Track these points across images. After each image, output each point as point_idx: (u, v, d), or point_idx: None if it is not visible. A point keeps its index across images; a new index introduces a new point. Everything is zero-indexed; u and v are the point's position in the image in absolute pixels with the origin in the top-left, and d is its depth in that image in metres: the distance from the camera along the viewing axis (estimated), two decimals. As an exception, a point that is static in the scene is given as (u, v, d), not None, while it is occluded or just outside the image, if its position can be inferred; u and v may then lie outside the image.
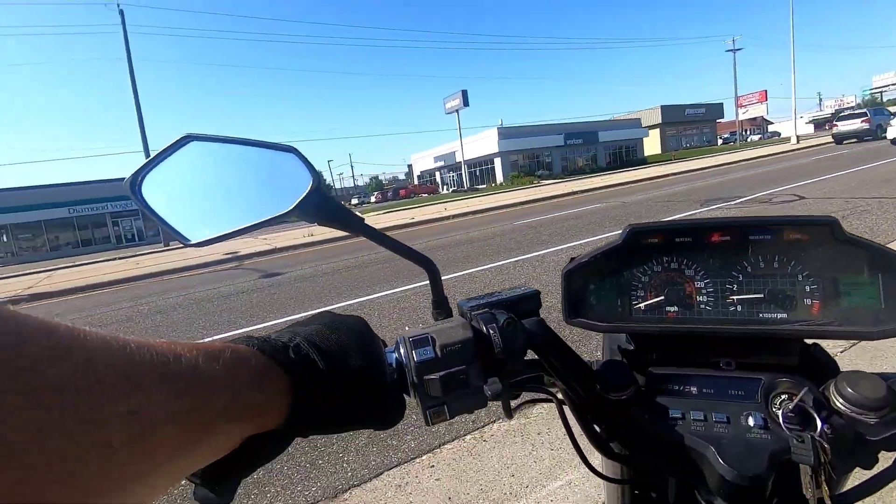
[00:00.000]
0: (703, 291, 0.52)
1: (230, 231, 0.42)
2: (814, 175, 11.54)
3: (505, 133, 40.78)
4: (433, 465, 2.25)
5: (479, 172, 44.64)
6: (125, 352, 0.22)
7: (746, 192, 10.00)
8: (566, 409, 0.51)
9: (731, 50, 47.58)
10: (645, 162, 41.47)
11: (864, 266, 0.46)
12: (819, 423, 0.40)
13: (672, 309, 0.52)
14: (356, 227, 0.45)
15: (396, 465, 2.28)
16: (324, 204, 0.43)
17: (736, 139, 54.70)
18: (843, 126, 22.87)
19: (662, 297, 0.53)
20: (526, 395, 0.54)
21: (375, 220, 17.89)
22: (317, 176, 0.42)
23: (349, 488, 2.16)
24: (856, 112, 23.31)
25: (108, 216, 31.44)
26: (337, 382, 0.34)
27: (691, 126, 60.44)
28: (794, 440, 0.40)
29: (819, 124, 69.74)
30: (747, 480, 0.40)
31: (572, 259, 0.55)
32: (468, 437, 2.44)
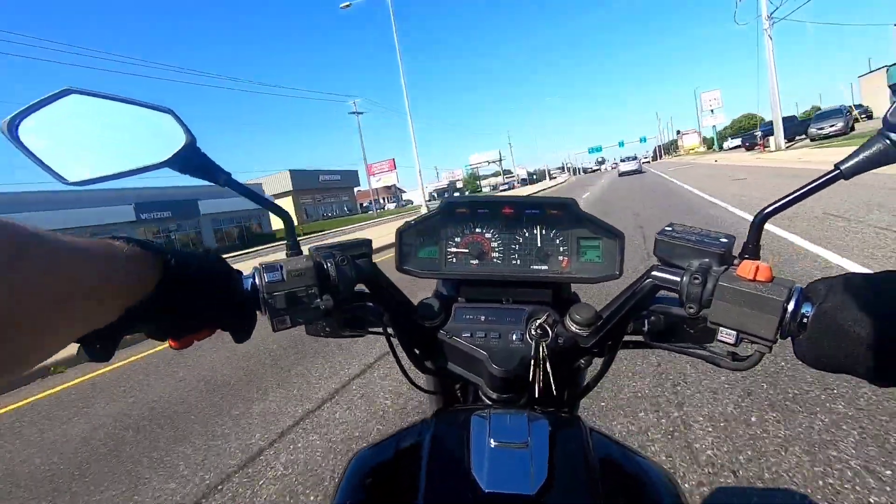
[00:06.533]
0: (496, 249, 0.66)
1: (108, 174, 0.46)
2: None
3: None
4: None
5: None
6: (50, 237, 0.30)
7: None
8: (394, 341, 0.63)
9: (355, 112, 43.55)
10: (273, 238, 32.66)
11: (592, 233, 0.63)
12: (550, 334, 0.56)
13: (474, 261, 0.66)
14: (223, 180, 0.50)
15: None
16: (196, 158, 0.48)
17: (372, 208, 51.55)
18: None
19: (468, 252, 0.66)
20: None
21: None
22: (191, 135, 0.47)
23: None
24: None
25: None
26: (198, 273, 0.44)
27: (329, 193, 55.11)
28: (533, 346, 0.55)
29: (440, 193, 77.32)
30: (504, 373, 0.54)
31: (406, 221, 0.67)
32: None
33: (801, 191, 0.45)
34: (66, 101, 0.44)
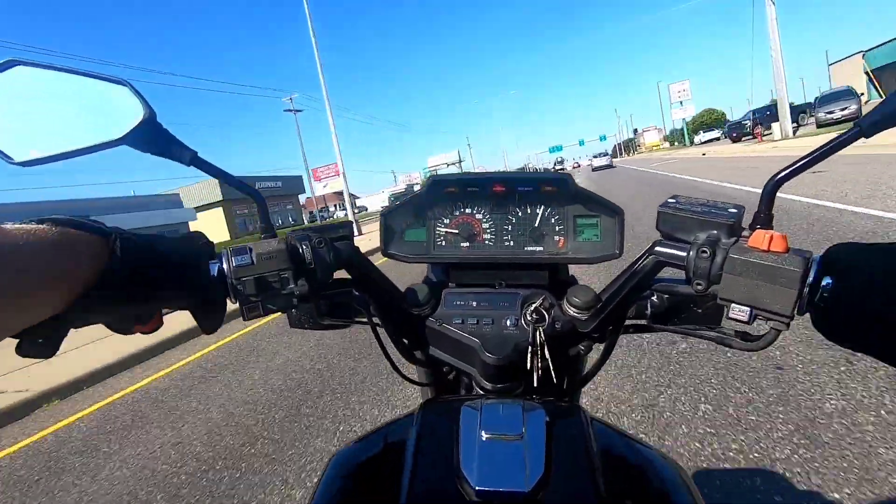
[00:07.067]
0: (488, 230, 0.63)
1: (59, 152, 0.42)
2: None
3: None
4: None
5: None
6: None
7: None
8: (381, 331, 0.59)
9: (291, 110, 37.91)
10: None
11: (589, 211, 0.60)
12: (547, 319, 0.53)
13: (465, 244, 0.63)
14: (188, 158, 0.46)
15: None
16: (156, 134, 0.44)
17: (317, 217, 45.98)
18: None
19: (458, 234, 0.63)
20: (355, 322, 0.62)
21: None
22: (150, 108, 0.43)
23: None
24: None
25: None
26: (154, 258, 0.39)
27: (270, 202, 48.99)
28: (530, 332, 0.52)
29: (398, 198, 72.25)
30: (498, 360, 0.51)
31: (391, 203, 0.64)
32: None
33: (819, 152, 0.42)
34: (12, 73, 0.41)
